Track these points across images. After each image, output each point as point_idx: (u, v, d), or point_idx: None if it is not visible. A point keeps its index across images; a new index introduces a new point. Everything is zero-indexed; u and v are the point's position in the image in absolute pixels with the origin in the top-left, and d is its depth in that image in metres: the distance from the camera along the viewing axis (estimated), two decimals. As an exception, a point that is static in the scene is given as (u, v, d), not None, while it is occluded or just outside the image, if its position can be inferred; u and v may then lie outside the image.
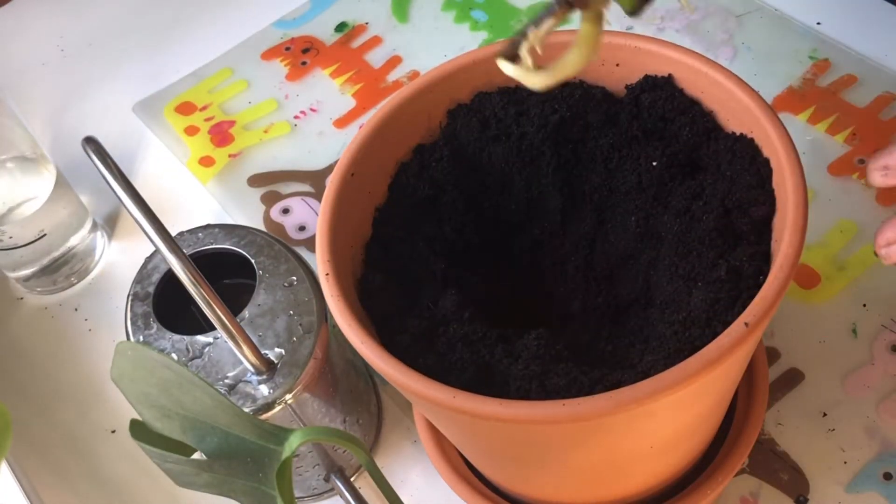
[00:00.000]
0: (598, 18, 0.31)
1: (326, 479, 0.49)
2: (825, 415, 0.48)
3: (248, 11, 0.76)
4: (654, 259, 0.39)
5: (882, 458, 0.47)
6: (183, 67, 0.73)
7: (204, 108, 0.69)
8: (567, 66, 0.30)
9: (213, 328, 0.43)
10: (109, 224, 0.65)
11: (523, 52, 0.31)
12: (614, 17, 0.68)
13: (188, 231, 0.49)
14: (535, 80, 0.31)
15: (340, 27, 0.73)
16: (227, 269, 0.48)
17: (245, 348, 0.41)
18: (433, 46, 0.70)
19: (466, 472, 0.44)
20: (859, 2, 0.66)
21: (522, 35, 0.31)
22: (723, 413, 0.41)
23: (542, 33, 0.31)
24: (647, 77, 0.40)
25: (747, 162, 0.36)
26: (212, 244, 0.48)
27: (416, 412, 0.48)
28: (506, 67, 0.31)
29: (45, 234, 0.58)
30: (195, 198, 0.65)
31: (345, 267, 0.37)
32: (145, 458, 0.30)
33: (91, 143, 0.41)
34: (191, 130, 0.68)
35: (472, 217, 0.41)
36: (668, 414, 0.32)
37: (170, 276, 0.47)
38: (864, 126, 0.59)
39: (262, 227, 0.61)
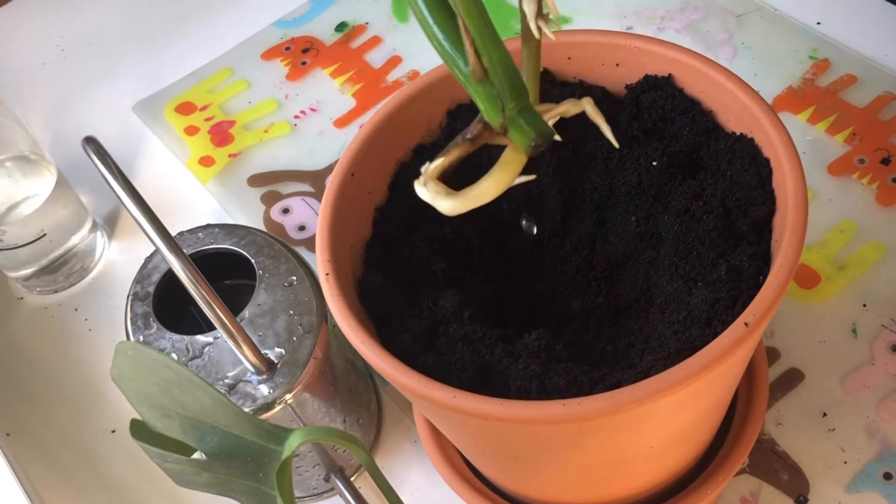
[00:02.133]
0: (523, 150, 0.30)
1: (326, 479, 0.49)
2: (825, 415, 0.48)
3: (248, 11, 0.76)
4: (654, 259, 0.39)
5: (882, 458, 0.47)
6: (183, 67, 0.73)
7: (204, 108, 0.69)
8: (482, 196, 0.30)
9: (213, 328, 0.44)
10: (109, 224, 0.65)
11: (428, 179, 0.30)
12: (614, 17, 0.68)
13: (188, 231, 0.49)
14: (443, 205, 0.30)
15: (340, 27, 0.73)
16: (227, 269, 0.48)
17: (245, 348, 0.41)
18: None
19: (466, 472, 0.44)
20: (859, 2, 0.66)
21: (433, 168, 0.30)
22: (723, 413, 0.41)
23: (438, 167, 0.30)
24: (647, 77, 0.40)
25: (747, 162, 0.36)
26: (212, 244, 0.48)
27: (416, 412, 0.48)
28: (419, 191, 0.30)
29: (45, 234, 0.58)
30: (195, 198, 0.65)
31: (345, 267, 0.37)
32: (145, 458, 0.30)
33: (91, 143, 0.41)
34: (191, 130, 0.68)
35: (471, 217, 0.41)
36: (668, 414, 0.32)
37: (170, 276, 0.47)
38: (864, 126, 0.59)
39: (262, 227, 0.61)
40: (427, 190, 0.30)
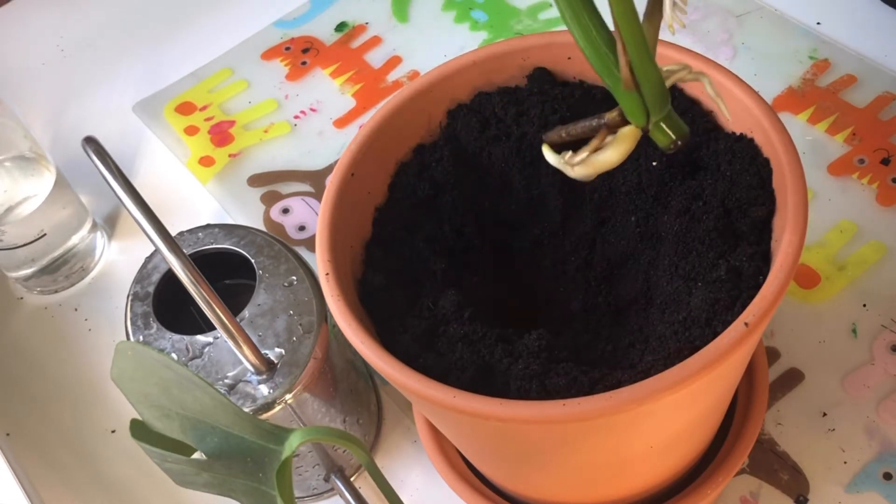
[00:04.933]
0: (664, 149, 0.33)
1: (326, 479, 0.49)
2: (825, 415, 0.48)
3: (248, 11, 0.76)
4: (654, 259, 0.39)
5: (882, 458, 0.47)
6: (183, 67, 0.73)
7: (204, 108, 0.69)
8: (605, 163, 0.33)
9: (213, 328, 0.44)
10: (109, 224, 0.65)
11: (566, 156, 0.34)
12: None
13: (188, 231, 0.49)
14: (575, 172, 0.34)
15: (340, 27, 0.73)
16: (227, 269, 0.48)
17: (245, 348, 0.41)
18: (433, 46, 0.70)
19: (466, 472, 0.44)
20: (859, 2, 0.66)
21: (565, 133, 0.34)
22: (723, 413, 0.41)
23: (591, 147, 0.33)
24: (647, 77, 0.40)
25: (747, 162, 0.36)
26: (212, 244, 0.48)
27: (416, 412, 0.48)
28: (549, 156, 0.34)
29: (44, 234, 0.58)
30: (195, 198, 0.65)
31: (345, 267, 0.37)
32: (145, 458, 0.30)
33: (91, 143, 0.41)
34: (191, 130, 0.68)
35: (472, 217, 0.41)
36: (668, 414, 0.32)
37: (170, 276, 0.47)
38: (864, 126, 0.59)
39: (262, 227, 0.61)
40: (558, 157, 0.34)
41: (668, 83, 0.33)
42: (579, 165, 0.33)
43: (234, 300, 0.45)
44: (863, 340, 0.50)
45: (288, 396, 0.42)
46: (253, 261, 0.47)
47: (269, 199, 0.63)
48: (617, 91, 0.31)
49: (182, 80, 0.72)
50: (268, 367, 0.43)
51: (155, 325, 0.46)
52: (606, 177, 0.40)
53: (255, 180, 0.65)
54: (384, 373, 0.33)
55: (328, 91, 0.69)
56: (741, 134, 0.37)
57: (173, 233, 0.42)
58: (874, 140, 0.58)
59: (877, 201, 0.56)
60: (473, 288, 0.39)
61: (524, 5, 0.71)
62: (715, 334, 0.31)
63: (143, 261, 0.48)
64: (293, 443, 0.28)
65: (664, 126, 0.32)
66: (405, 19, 0.73)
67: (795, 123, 0.60)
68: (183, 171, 0.66)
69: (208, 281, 0.40)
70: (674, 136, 0.32)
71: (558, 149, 0.34)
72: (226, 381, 0.43)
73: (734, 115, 0.38)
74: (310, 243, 0.60)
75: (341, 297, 0.35)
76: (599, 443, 0.33)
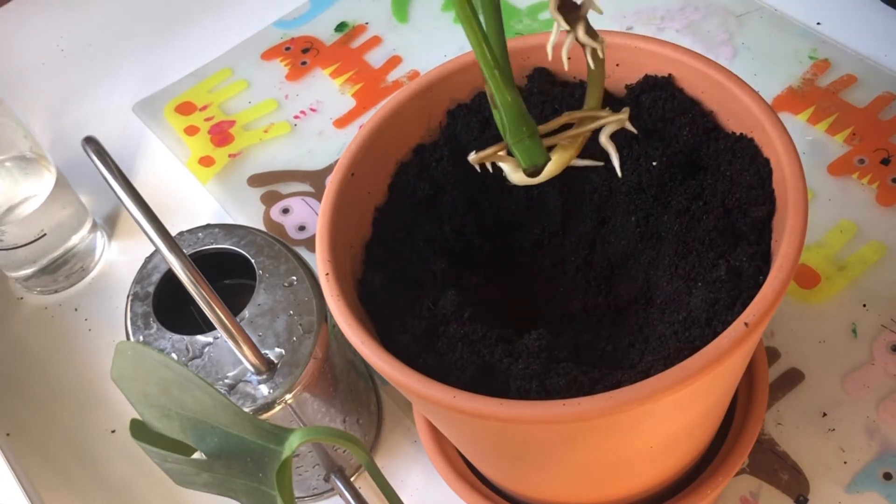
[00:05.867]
0: (577, 141, 0.35)
1: (326, 479, 0.49)
2: (825, 415, 0.48)
3: (248, 11, 0.76)
4: (654, 259, 0.39)
5: (882, 458, 0.47)
6: (183, 67, 0.73)
7: (204, 108, 0.69)
8: (546, 174, 0.35)
9: (213, 328, 0.44)
10: (109, 224, 0.65)
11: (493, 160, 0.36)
12: (614, 18, 0.68)
13: (188, 231, 0.49)
14: (514, 178, 0.36)
15: (340, 27, 0.73)
16: (227, 269, 0.48)
17: (245, 348, 0.41)
18: (433, 46, 0.70)
19: (466, 472, 0.44)
20: (859, 2, 0.66)
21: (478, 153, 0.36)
22: (723, 413, 0.41)
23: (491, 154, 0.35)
24: (647, 77, 0.40)
25: (747, 162, 0.36)
26: (212, 244, 0.48)
27: (416, 412, 0.48)
28: (475, 157, 0.36)
29: (44, 234, 0.58)
30: (195, 198, 0.65)
31: (345, 267, 0.37)
32: (145, 458, 0.30)
33: (91, 143, 0.41)
34: (191, 130, 0.68)
35: (472, 217, 0.41)
36: (667, 414, 0.32)
37: (170, 276, 0.47)
38: (864, 126, 0.59)
39: (262, 227, 0.61)
40: (504, 165, 0.36)
41: (592, 126, 0.35)
42: (519, 173, 0.35)
43: (234, 300, 0.45)
44: (863, 340, 0.50)
45: (288, 396, 0.42)
46: (253, 261, 0.47)
47: (269, 199, 0.63)
48: (492, 107, 0.34)
49: (182, 80, 0.72)
50: (268, 367, 0.43)
51: (155, 325, 0.46)
52: (607, 177, 0.40)
53: (255, 180, 0.65)
54: (384, 373, 0.33)
55: (328, 91, 0.69)
56: (741, 134, 0.37)
57: (173, 233, 0.42)
58: (874, 140, 0.58)
59: (877, 201, 0.56)
60: (473, 288, 0.39)
61: (524, 5, 0.71)
62: (715, 334, 0.31)
63: (143, 261, 0.48)
64: (293, 443, 0.28)
65: (519, 150, 0.34)
66: (405, 19, 0.73)
67: (795, 123, 0.60)
68: (183, 171, 0.66)
69: (208, 281, 0.40)
70: (523, 163, 0.34)
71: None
72: (226, 381, 0.43)
73: (734, 115, 0.38)
74: (310, 243, 0.60)
75: (341, 297, 0.35)
76: (599, 443, 0.33)
